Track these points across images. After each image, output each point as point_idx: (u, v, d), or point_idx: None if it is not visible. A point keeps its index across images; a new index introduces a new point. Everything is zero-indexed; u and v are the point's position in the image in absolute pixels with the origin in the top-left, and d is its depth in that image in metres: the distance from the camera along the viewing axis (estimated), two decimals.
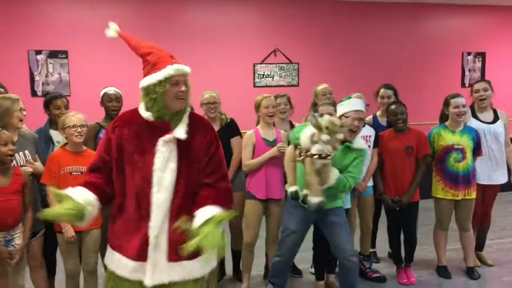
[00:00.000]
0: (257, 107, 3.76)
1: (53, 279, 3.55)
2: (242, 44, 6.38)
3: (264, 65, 6.45)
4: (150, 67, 2.22)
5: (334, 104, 3.79)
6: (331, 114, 3.68)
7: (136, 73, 5.69)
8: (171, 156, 2.20)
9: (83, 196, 2.17)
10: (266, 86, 6.45)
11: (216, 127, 3.89)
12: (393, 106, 3.89)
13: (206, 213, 2.14)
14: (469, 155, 3.88)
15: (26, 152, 3.11)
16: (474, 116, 4.15)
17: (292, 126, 4.25)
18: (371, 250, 4.37)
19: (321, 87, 4.39)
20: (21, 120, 3.11)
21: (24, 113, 3.14)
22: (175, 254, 2.15)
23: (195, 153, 2.26)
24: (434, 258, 4.29)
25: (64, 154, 3.13)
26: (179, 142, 2.21)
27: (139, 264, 2.19)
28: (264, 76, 6.46)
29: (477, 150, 3.94)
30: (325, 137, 2.80)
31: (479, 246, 4.41)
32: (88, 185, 2.24)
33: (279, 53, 6.47)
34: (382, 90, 4.29)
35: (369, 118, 4.32)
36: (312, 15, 6.65)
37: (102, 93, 3.80)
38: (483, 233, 4.40)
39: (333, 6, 6.75)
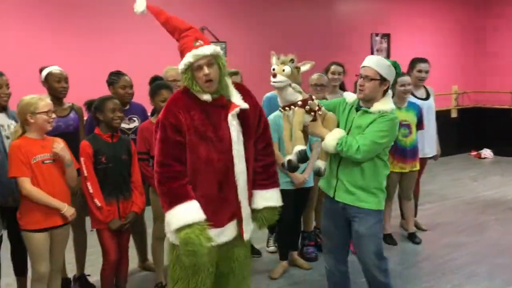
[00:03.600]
0: None
1: None
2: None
3: None
4: (180, 54, 2.31)
5: None
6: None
7: (55, 51, 5.25)
8: (239, 127, 2.38)
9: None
10: None
11: None
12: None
13: (266, 199, 2.51)
14: (414, 129, 4.18)
15: None
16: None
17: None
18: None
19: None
20: None
21: None
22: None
23: (251, 120, 2.45)
24: None
25: (29, 142, 2.77)
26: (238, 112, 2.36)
27: (221, 229, 2.40)
28: None
29: (420, 124, 4.25)
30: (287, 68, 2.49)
31: (414, 212, 4.80)
32: (189, 189, 2.31)
33: (207, 32, 6.28)
34: (333, 67, 4.38)
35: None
36: None
37: (45, 72, 3.42)
38: (415, 200, 4.81)
39: None
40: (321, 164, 2.77)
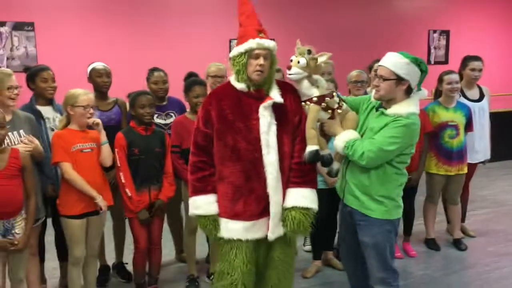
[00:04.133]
0: None
1: (43, 267, 3.38)
2: (218, 19, 6.17)
3: None
4: (239, 39, 2.42)
5: (333, 81, 3.75)
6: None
7: (108, 46, 5.48)
8: (272, 120, 2.40)
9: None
10: None
11: None
12: None
13: (295, 198, 2.46)
14: (462, 131, 3.98)
15: (21, 131, 2.86)
16: (461, 92, 4.25)
17: None
18: None
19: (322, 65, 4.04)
20: (12, 99, 2.86)
21: (16, 91, 2.87)
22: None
23: (290, 116, 2.47)
24: (420, 231, 4.43)
25: (70, 132, 2.95)
26: (275, 106, 2.41)
27: (252, 223, 2.44)
28: None
29: (468, 126, 4.04)
30: (302, 60, 2.43)
31: (462, 217, 4.58)
32: (209, 182, 2.48)
33: None
34: (376, 65, 4.24)
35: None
36: None
37: (89, 68, 3.58)
38: (463, 205, 4.57)
39: None
40: (334, 164, 2.63)
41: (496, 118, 7.57)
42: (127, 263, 3.75)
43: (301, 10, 6.65)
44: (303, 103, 2.51)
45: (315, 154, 2.43)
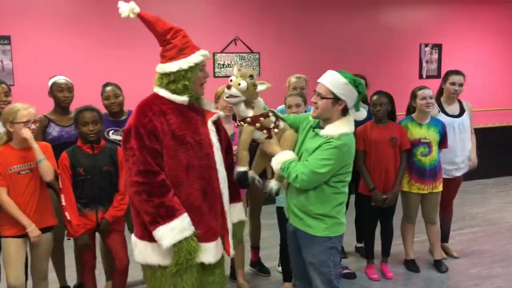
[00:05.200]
0: (217, 98, 3.51)
1: None
2: (201, 32, 6.08)
3: (224, 54, 6.20)
4: (176, 51, 2.23)
5: (302, 95, 3.62)
6: (298, 105, 3.49)
7: (84, 60, 5.40)
8: (216, 135, 2.34)
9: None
10: (227, 76, 6.19)
11: None
12: (375, 97, 3.77)
13: (239, 213, 2.55)
14: (435, 148, 3.84)
15: None
16: (440, 107, 4.11)
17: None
18: None
19: (294, 79, 3.95)
20: None
21: None
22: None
23: (223, 131, 2.47)
24: (400, 251, 4.26)
25: (10, 151, 2.80)
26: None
27: (214, 243, 2.33)
28: (225, 66, 6.21)
29: (442, 142, 3.89)
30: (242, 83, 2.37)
31: (444, 237, 4.41)
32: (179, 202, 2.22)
33: (239, 42, 6.23)
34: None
35: None
36: (273, 4, 6.44)
37: (50, 82, 3.48)
38: (446, 224, 4.41)
39: None
40: (272, 184, 2.59)
41: (492, 134, 7.47)
42: None
43: (290, 24, 6.55)
44: (238, 123, 2.48)
45: (242, 175, 2.45)
